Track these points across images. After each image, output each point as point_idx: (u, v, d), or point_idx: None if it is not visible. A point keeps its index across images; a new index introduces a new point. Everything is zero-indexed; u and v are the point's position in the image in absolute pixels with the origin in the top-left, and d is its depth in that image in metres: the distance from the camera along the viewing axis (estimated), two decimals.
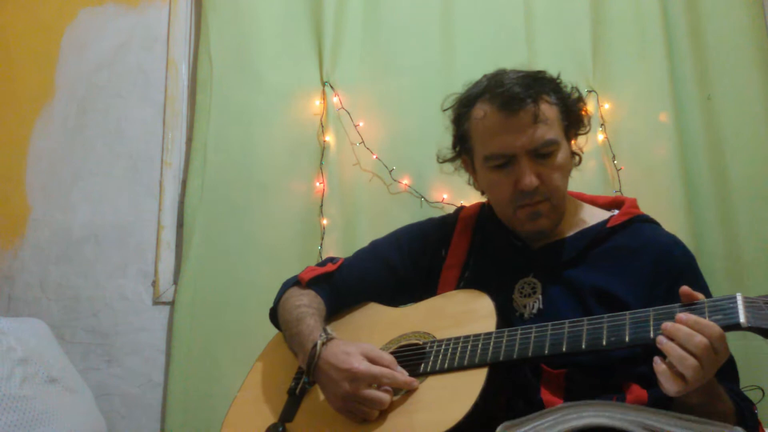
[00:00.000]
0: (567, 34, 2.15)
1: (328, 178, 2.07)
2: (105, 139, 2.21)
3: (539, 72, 1.23)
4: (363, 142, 2.09)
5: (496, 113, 1.17)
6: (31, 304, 2.10)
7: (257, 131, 2.11)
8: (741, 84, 2.10)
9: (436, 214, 1.87)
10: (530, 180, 1.15)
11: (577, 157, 1.29)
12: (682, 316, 0.91)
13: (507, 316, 1.15)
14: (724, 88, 2.11)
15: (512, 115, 1.15)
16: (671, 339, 0.90)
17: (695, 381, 0.88)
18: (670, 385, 0.89)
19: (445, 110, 1.31)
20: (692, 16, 2.16)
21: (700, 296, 0.96)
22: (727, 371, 1.11)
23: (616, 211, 1.29)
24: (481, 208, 1.39)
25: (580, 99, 1.27)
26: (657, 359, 0.91)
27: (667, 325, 0.91)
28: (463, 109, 1.25)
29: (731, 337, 1.15)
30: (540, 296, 1.18)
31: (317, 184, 2.08)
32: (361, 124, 2.10)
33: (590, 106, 2.09)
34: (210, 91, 2.13)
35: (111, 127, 2.22)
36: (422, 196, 2.07)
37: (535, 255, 1.24)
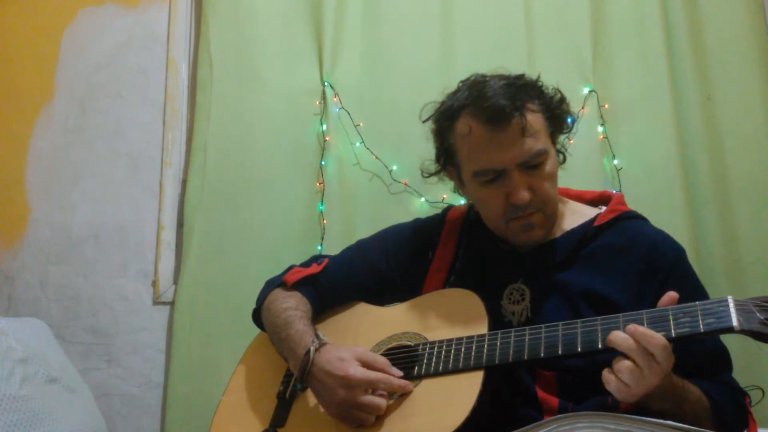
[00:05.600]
0: (567, 34, 2.15)
1: (328, 178, 2.07)
2: (105, 139, 2.21)
3: (519, 77, 1.20)
4: (363, 142, 2.09)
5: (482, 128, 1.14)
6: (31, 304, 2.10)
7: (257, 131, 2.11)
8: (741, 84, 2.10)
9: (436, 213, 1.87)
10: (523, 194, 1.14)
11: (561, 156, 1.28)
12: (630, 328, 0.94)
13: (495, 321, 1.14)
14: (724, 88, 2.10)
15: (499, 129, 1.13)
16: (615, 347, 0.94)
17: (636, 386, 0.92)
18: (617, 394, 0.93)
19: (424, 121, 1.28)
20: (692, 16, 2.16)
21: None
22: (717, 362, 1.13)
23: (603, 207, 1.28)
24: (469, 209, 1.37)
25: (563, 100, 1.25)
26: (605, 370, 0.95)
27: (611, 336, 0.95)
28: (445, 122, 1.22)
29: (731, 337, 1.15)
30: (528, 304, 1.17)
31: (317, 184, 2.08)
32: (361, 124, 2.10)
33: (590, 106, 2.10)
34: (210, 91, 2.13)
35: (111, 127, 2.22)
36: (422, 196, 2.07)
37: (523, 259, 1.23)
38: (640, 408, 0.98)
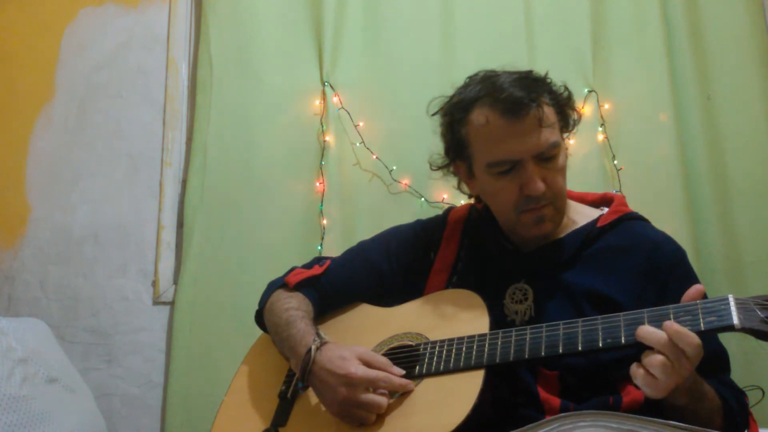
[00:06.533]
0: (567, 34, 2.15)
1: (328, 178, 2.07)
2: (105, 139, 2.21)
3: (529, 72, 1.21)
4: (363, 142, 2.09)
5: (499, 119, 1.14)
6: (31, 304, 2.10)
7: (257, 131, 2.11)
8: (741, 84, 2.10)
9: (436, 214, 1.87)
10: (539, 185, 1.14)
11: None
12: (667, 324, 0.92)
13: (498, 321, 1.14)
14: (724, 88, 2.11)
15: (517, 120, 1.13)
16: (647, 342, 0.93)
17: (665, 380, 0.90)
18: (646, 388, 0.92)
19: (432, 115, 1.28)
20: (692, 16, 2.16)
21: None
22: (719, 364, 1.13)
23: (605, 209, 1.28)
24: (470, 210, 1.37)
25: (570, 97, 1.25)
26: (634, 365, 0.94)
27: (641, 331, 0.93)
28: (458, 114, 1.22)
29: (730, 336, 1.16)
30: (531, 303, 1.17)
31: (317, 184, 2.08)
32: (361, 124, 2.10)
33: (590, 106, 2.10)
34: (210, 91, 2.13)
35: (111, 127, 2.22)
36: (422, 196, 2.07)
37: (526, 259, 1.23)
38: (663, 403, 0.98)
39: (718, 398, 1.05)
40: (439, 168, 1.32)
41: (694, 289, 0.97)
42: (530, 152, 1.14)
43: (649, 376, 0.91)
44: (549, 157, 1.16)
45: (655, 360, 0.90)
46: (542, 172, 1.15)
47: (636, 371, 0.93)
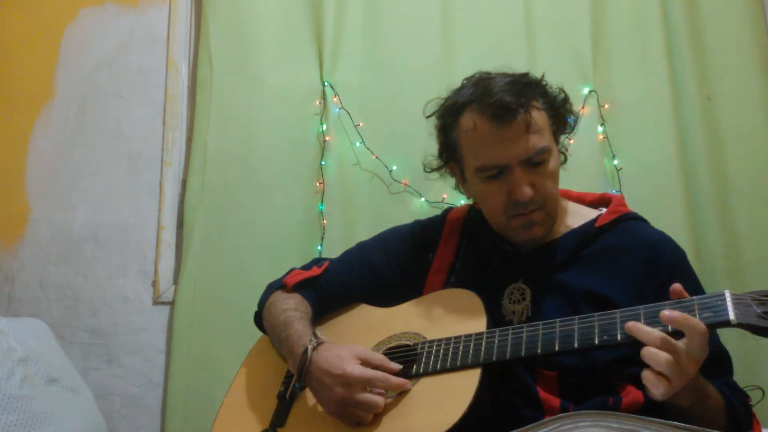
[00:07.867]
0: (567, 34, 2.15)
1: (328, 178, 2.07)
2: (105, 139, 2.21)
3: (524, 75, 1.21)
4: (363, 142, 2.09)
5: (487, 124, 1.14)
6: (31, 304, 2.10)
7: (257, 131, 2.11)
8: (741, 84, 2.10)
9: (436, 213, 1.87)
10: (525, 191, 1.14)
11: (562, 156, 1.28)
12: (666, 314, 0.90)
13: (496, 321, 1.14)
14: (724, 88, 2.10)
15: (504, 125, 1.13)
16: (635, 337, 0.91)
17: (676, 379, 0.88)
18: (656, 389, 0.89)
19: (428, 117, 1.29)
20: (692, 16, 2.16)
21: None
22: (722, 366, 1.13)
23: (604, 209, 1.28)
24: (469, 210, 1.37)
25: (566, 99, 1.25)
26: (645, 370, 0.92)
27: (629, 324, 0.92)
28: (449, 117, 1.22)
29: (731, 337, 1.15)
30: (529, 303, 1.17)
31: (317, 184, 2.08)
32: (361, 124, 2.10)
33: (590, 106, 2.10)
34: (210, 91, 2.13)
35: (111, 127, 2.22)
36: (422, 196, 2.07)
37: (524, 259, 1.23)
38: (668, 404, 0.97)
39: (722, 398, 1.04)
40: (433, 170, 1.33)
41: (673, 292, 0.96)
42: (517, 158, 1.14)
43: (657, 375, 0.89)
44: (537, 162, 1.16)
45: (660, 357, 0.88)
46: (531, 177, 1.15)
47: (649, 377, 0.90)
